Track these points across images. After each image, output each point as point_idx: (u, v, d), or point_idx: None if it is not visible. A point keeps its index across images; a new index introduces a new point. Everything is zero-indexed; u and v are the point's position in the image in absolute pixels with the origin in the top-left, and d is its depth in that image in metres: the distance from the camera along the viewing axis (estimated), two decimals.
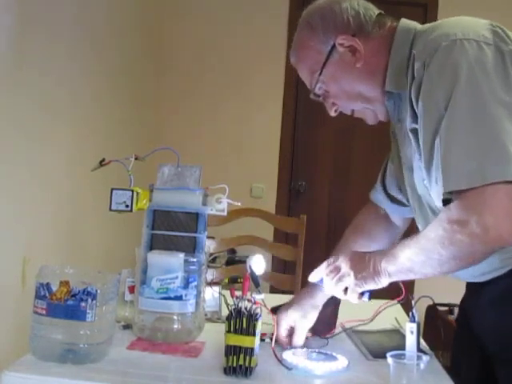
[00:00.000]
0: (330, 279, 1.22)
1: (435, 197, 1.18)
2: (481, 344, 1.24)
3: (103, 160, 1.35)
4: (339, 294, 1.22)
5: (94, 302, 1.12)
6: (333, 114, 1.35)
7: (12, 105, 2.06)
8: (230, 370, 1.12)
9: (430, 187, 1.18)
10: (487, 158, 1.02)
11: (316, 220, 3.70)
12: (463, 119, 1.06)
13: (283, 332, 1.32)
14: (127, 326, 1.36)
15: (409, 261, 1.12)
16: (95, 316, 1.12)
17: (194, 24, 3.90)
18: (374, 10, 1.29)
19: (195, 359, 1.21)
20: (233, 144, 3.90)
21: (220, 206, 1.35)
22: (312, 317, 1.35)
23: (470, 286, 1.31)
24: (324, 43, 1.27)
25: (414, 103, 1.16)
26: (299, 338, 1.32)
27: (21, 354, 1.16)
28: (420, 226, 1.32)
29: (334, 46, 1.26)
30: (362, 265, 1.18)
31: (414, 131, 1.18)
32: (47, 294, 1.12)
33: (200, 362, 1.19)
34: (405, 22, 1.27)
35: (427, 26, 1.23)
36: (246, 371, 1.11)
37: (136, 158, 1.34)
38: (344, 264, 1.21)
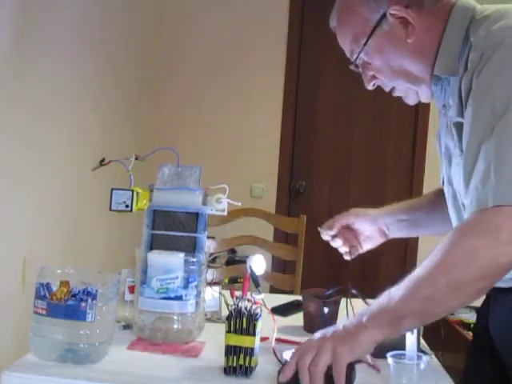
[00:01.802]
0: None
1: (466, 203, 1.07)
2: (498, 355, 1.20)
3: (103, 160, 1.35)
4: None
5: (94, 301, 1.12)
6: (370, 87, 1.26)
7: (12, 105, 2.06)
8: (229, 370, 1.12)
9: (464, 195, 1.08)
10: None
11: (316, 220, 3.69)
12: (502, 136, 0.97)
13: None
14: (127, 326, 1.36)
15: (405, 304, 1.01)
16: (95, 316, 1.12)
17: (194, 24, 3.90)
18: None
19: (195, 359, 1.21)
20: (233, 144, 3.90)
21: (220, 206, 1.35)
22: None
23: (493, 293, 1.20)
24: (374, 11, 1.16)
25: (464, 96, 1.07)
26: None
27: (21, 354, 1.16)
28: (452, 219, 1.24)
29: (384, 16, 1.15)
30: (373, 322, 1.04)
31: (459, 125, 1.10)
32: (47, 294, 1.12)
33: (200, 362, 1.19)
34: (461, 2, 1.15)
35: (490, 9, 1.12)
36: (246, 371, 1.11)
37: (136, 158, 1.34)
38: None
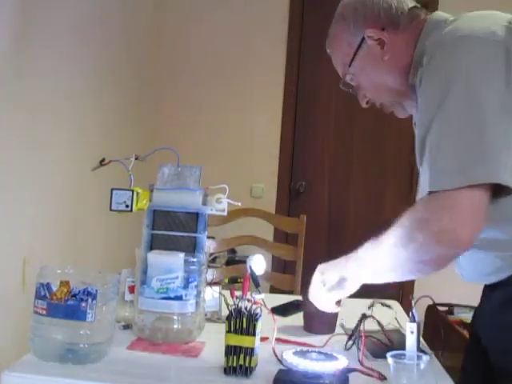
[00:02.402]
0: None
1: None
2: (488, 357, 1.22)
3: (103, 160, 1.35)
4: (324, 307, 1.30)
5: (94, 301, 1.12)
6: (364, 105, 1.36)
7: (12, 104, 2.06)
8: (229, 370, 1.12)
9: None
10: (464, 164, 1.02)
11: (316, 220, 3.69)
12: (452, 121, 1.05)
13: None
14: (127, 326, 1.36)
15: (372, 263, 1.18)
16: (95, 316, 1.13)
17: (194, 23, 3.90)
18: (408, 3, 1.27)
19: (195, 359, 1.21)
20: (233, 144, 3.90)
21: (220, 205, 1.35)
22: None
23: (484, 290, 1.27)
24: (354, 35, 1.27)
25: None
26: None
27: (21, 354, 1.16)
28: None
29: (363, 39, 1.26)
30: (328, 275, 1.28)
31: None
32: (47, 294, 1.12)
33: (200, 362, 1.19)
34: (436, 14, 1.25)
35: (452, 18, 1.20)
36: (246, 371, 1.11)
37: (136, 158, 1.34)
38: (314, 278, 1.29)
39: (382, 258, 1.15)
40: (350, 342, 1.30)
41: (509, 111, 1.04)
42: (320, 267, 1.31)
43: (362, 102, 1.36)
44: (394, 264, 1.13)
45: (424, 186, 1.07)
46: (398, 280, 1.16)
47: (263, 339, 1.20)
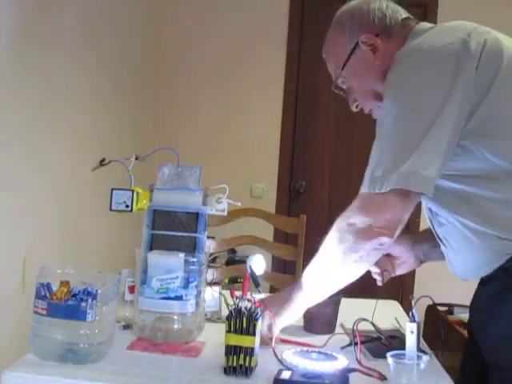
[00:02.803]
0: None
1: None
2: (482, 353, 1.23)
3: (103, 160, 1.35)
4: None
5: (94, 301, 1.12)
6: (354, 109, 1.41)
7: (12, 105, 2.06)
8: (230, 370, 1.12)
9: None
10: (387, 169, 1.13)
11: (316, 220, 3.69)
12: (386, 131, 1.17)
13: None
14: (127, 326, 1.36)
15: (319, 275, 1.26)
16: (95, 316, 1.12)
17: (194, 24, 3.90)
18: (402, 13, 1.35)
19: (195, 359, 1.21)
20: (233, 144, 3.90)
21: (220, 206, 1.35)
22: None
23: (477, 288, 1.30)
24: (349, 40, 1.33)
25: None
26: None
27: (21, 354, 1.16)
28: None
29: (357, 44, 1.32)
30: (278, 300, 1.31)
31: None
32: (47, 294, 1.12)
33: (200, 362, 1.19)
34: (420, 25, 1.32)
35: (426, 31, 1.27)
36: (246, 371, 1.11)
37: (136, 158, 1.34)
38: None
39: (325, 264, 1.25)
40: (347, 343, 1.30)
41: (447, 125, 1.12)
42: (266, 300, 1.29)
43: (352, 106, 1.40)
44: (336, 268, 1.24)
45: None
46: (347, 281, 1.26)
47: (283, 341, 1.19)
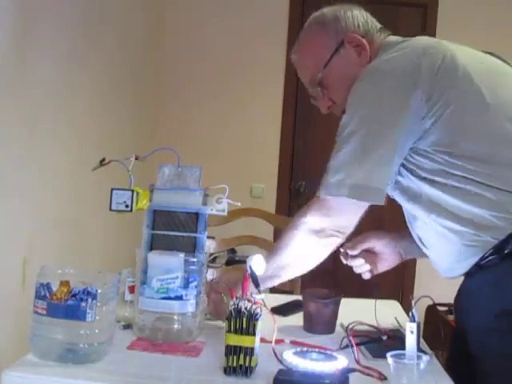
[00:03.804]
0: None
1: None
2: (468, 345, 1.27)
3: (103, 160, 1.35)
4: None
5: (94, 301, 1.12)
6: (325, 111, 1.45)
7: (12, 105, 2.06)
8: (229, 370, 1.12)
9: None
10: (343, 178, 1.24)
11: None
12: (343, 141, 1.27)
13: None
14: (127, 326, 1.36)
15: (275, 264, 1.35)
16: (95, 316, 1.12)
17: (194, 24, 3.90)
18: (377, 23, 1.41)
19: (195, 359, 1.21)
20: (233, 144, 3.90)
21: (220, 206, 1.35)
22: None
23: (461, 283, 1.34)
24: (334, 39, 1.37)
25: None
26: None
27: (21, 354, 1.16)
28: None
29: (341, 43, 1.36)
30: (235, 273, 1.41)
31: None
32: (47, 294, 1.12)
33: (200, 362, 1.19)
34: (389, 38, 1.38)
35: (392, 46, 1.32)
36: (246, 371, 1.11)
37: (136, 158, 1.34)
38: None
39: (279, 258, 1.35)
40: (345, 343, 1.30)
41: (394, 141, 1.21)
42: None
43: (323, 108, 1.44)
44: (290, 261, 1.35)
45: None
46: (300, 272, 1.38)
47: (261, 340, 1.19)
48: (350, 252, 1.48)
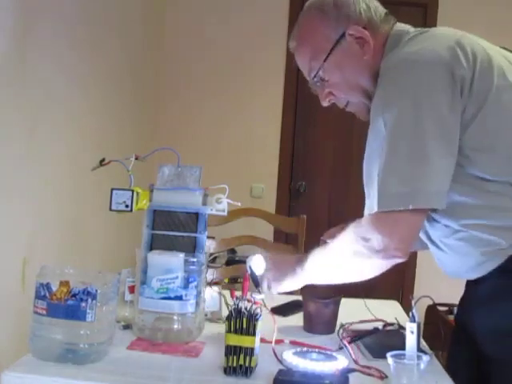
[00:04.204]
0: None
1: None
2: (476, 343, 1.25)
3: (103, 160, 1.35)
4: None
5: (94, 301, 1.12)
6: (325, 104, 1.37)
7: (12, 104, 2.06)
8: (229, 370, 1.12)
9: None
10: (408, 189, 1.12)
11: (316, 220, 3.69)
12: (399, 148, 1.13)
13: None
14: (127, 326, 1.36)
15: (322, 268, 1.29)
16: (95, 316, 1.12)
17: (194, 24, 3.90)
18: (382, 8, 1.31)
19: (195, 359, 1.21)
20: (233, 144, 3.90)
21: (220, 206, 1.35)
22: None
23: (467, 284, 1.32)
24: (334, 30, 1.28)
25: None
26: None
27: (21, 354, 1.16)
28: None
29: (343, 35, 1.28)
30: (283, 269, 1.35)
31: None
32: (47, 294, 1.12)
33: (200, 362, 1.19)
34: (398, 27, 1.30)
35: (408, 36, 1.25)
36: (246, 371, 1.11)
37: (136, 158, 1.34)
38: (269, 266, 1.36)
39: (329, 264, 1.28)
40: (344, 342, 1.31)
41: (450, 137, 1.13)
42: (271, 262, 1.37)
43: (323, 101, 1.36)
44: (339, 271, 1.28)
45: (372, 204, 1.18)
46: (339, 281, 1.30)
47: (261, 340, 1.19)
48: (329, 241, 1.47)
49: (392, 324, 1.42)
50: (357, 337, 1.33)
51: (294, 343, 1.33)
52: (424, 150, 1.11)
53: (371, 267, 1.21)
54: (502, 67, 1.17)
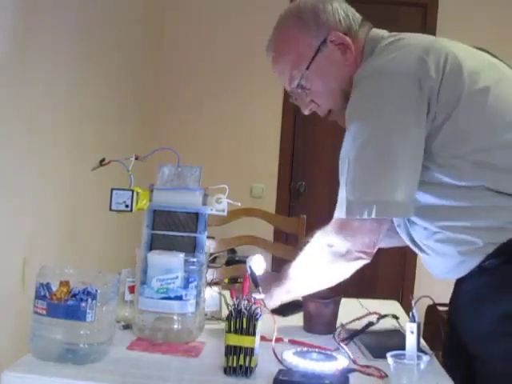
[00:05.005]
0: None
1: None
2: (463, 343, 1.26)
3: (103, 160, 1.35)
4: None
5: (94, 301, 1.12)
6: (307, 112, 1.37)
7: (12, 104, 2.06)
8: (229, 370, 1.12)
9: None
10: (368, 197, 1.15)
11: (316, 220, 3.69)
12: (365, 159, 1.16)
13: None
14: (127, 326, 1.36)
15: (300, 276, 1.33)
16: (95, 316, 1.12)
17: (194, 24, 3.90)
18: (358, 15, 1.33)
19: (195, 359, 1.21)
20: (233, 144, 3.90)
21: (220, 206, 1.35)
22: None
23: (455, 284, 1.32)
24: (315, 37, 1.28)
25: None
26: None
27: (21, 354, 1.16)
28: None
29: (324, 42, 1.28)
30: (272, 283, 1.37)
31: None
32: (47, 294, 1.12)
33: (200, 362, 1.19)
34: (373, 32, 1.31)
35: (385, 42, 1.26)
36: (246, 371, 1.11)
37: (136, 158, 1.34)
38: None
39: (304, 273, 1.32)
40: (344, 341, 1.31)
41: (415, 150, 1.15)
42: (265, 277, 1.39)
43: (305, 109, 1.37)
44: (313, 280, 1.32)
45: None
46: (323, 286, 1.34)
47: (261, 338, 1.19)
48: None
49: (386, 316, 1.42)
50: (352, 335, 1.33)
51: (292, 342, 1.33)
52: (389, 161, 1.14)
53: (339, 270, 1.27)
54: (474, 72, 1.18)
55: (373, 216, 1.15)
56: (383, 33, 1.30)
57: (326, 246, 1.25)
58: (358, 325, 1.40)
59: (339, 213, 1.21)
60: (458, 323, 1.29)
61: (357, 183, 1.17)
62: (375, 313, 1.41)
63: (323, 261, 1.27)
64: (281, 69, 1.36)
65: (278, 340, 1.28)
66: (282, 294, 1.37)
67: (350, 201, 1.18)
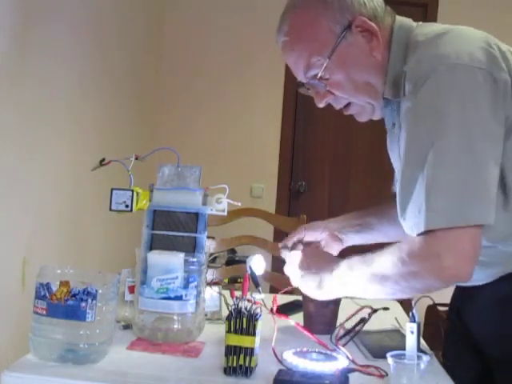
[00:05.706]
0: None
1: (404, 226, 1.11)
2: (480, 348, 1.24)
3: (103, 160, 1.35)
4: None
5: (94, 302, 1.12)
6: (322, 105, 1.22)
7: (12, 105, 2.06)
8: (229, 370, 1.12)
9: (400, 215, 1.12)
10: (461, 202, 1.00)
11: (316, 220, 3.69)
12: (448, 161, 1.01)
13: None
14: (127, 326, 1.36)
15: (358, 284, 1.16)
16: (95, 316, 1.12)
17: (194, 24, 3.90)
18: (381, 2, 1.19)
19: (195, 359, 1.21)
20: (233, 144, 3.90)
21: (220, 206, 1.35)
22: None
23: (470, 288, 1.28)
24: (338, 21, 1.12)
25: (402, 123, 1.12)
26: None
27: (21, 354, 1.16)
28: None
29: (348, 28, 1.12)
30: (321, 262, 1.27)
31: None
32: (47, 294, 1.12)
33: (200, 362, 1.19)
34: (400, 21, 1.19)
35: (422, 33, 1.14)
36: (246, 371, 1.11)
37: (136, 158, 1.34)
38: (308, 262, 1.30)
39: (369, 282, 1.13)
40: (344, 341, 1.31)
41: (498, 148, 1.03)
42: (309, 259, 1.32)
43: (319, 102, 1.21)
44: (380, 291, 1.13)
45: (413, 221, 1.05)
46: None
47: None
48: (282, 244, 1.45)
49: (378, 310, 1.41)
50: (350, 335, 1.33)
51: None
52: (475, 162, 1.01)
53: (416, 290, 1.09)
54: None
55: (472, 222, 1.00)
56: (409, 21, 1.18)
57: (415, 258, 1.04)
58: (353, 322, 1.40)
59: (428, 225, 1.01)
60: (474, 326, 1.26)
61: (445, 190, 1.01)
62: (368, 306, 1.40)
63: (402, 277, 1.07)
64: (295, 56, 1.18)
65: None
66: (335, 284, 1.22)
67: (441, 210, 1.00)
